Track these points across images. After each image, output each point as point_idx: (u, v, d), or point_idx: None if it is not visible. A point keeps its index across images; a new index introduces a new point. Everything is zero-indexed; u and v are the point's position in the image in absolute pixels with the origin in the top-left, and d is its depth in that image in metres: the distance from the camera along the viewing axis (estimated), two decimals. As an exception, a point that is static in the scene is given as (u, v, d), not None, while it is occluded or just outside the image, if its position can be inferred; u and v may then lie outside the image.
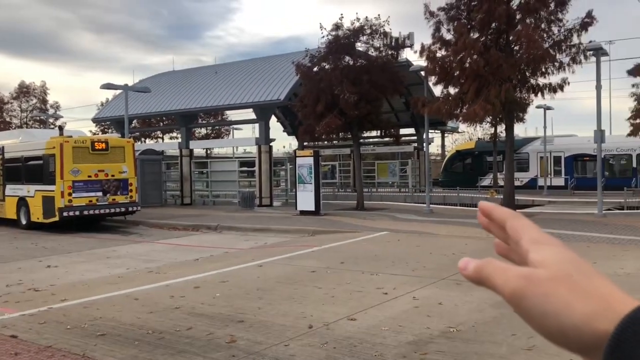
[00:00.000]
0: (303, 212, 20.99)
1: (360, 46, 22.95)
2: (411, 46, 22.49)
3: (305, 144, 33.01)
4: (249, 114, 30.51)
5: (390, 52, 22.79)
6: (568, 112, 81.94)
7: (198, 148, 36.30)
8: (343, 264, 10.63)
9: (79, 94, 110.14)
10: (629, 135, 17.92)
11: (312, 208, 20.88)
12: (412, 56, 48.12)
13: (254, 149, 28.14)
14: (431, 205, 22.01)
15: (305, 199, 21.18)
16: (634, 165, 32.82)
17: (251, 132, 47.16)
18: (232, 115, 44.43)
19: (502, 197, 20.54)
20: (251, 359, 5.59)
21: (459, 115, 18.94)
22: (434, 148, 51.22)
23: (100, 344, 6.16)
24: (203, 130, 50.94)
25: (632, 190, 24.54)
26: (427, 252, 11.76)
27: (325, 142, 35.20)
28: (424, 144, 35.73)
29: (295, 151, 25.85)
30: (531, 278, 0.52)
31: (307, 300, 7.91)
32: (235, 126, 46.42)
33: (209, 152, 48.34)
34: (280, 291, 8.47)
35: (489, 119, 26.26)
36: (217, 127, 51.54)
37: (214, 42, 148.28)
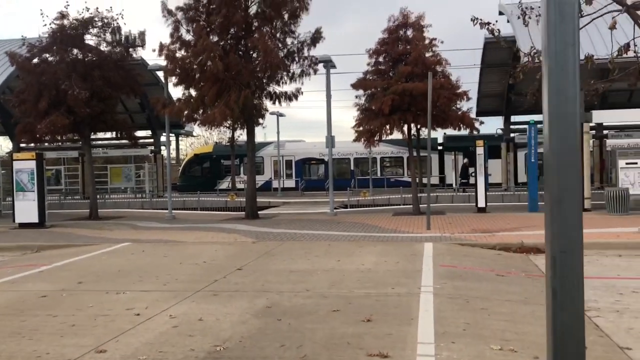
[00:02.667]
0: (23, 225, 18.18)
1: (91, 39, 20.92)
2: (142, 45, 21.31)
3: (22, 145, 28.79)
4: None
5: (123, 49, 21.26)
6: (295, 119, 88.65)
7: None
8: (81, 283, 9.28)
9: None
10: (354, 141, 19.81)
11: (35, 219, 18.21)
12: (151, 55, 46.25)
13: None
14: (173, 211, 21.18)
15: (26, 209, 18.36)
16: (352, 168, 36.93)
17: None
18: None
19: (244, 199, 20.82)
20: None
21: (199, 118, 18.60)
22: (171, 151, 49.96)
23: None
24: None
25: (352, 190, 27.41)
26: (176, 262, 11.06)
27: (47, 144, 31.37)
28: (161, 147, 34.66)
29: (11, 153, 22.30)
30: None
31: (39, 333, 6.56)
32: None
33: None
34: (2, 326, 6.89)
35: (228, 124, 26.46)
36: None
37: None
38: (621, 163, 18.09)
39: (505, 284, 8.72)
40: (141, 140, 31.71)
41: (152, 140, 33.52)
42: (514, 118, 31.44)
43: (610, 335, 6.15)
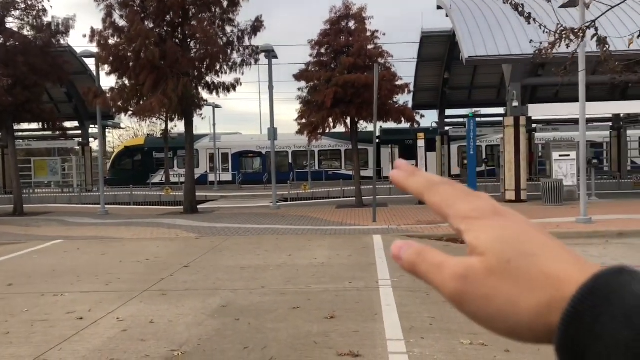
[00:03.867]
0: (-61, 223, 16.70)
1: (13, 22, 19.49)
2: (66, 32, 20.06)
3: None
4: None
5: (48, 35, 19.92)
6: (228, 111, 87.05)
7: None
8: (12, 286, 8.52)
9: None
10: (296, 134, 19.49)
11: (-49, 217, 16.76)
12: (80, 42, 43.86)
13: None
14: (106, 206, 20.15)
15: (-58, 206, 16.87)
16: (290, 161, 36.62)
17: None
18: None
19: (183, 193, 20.08)
20: None
21: (132, 109, 17.69)
22: (96, 144, 47.80)
23: None
24: None
25: (291, 184, 27.13)
26: (116, 260, 10.40)
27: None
28: (89, 139, 33.01)
29: None
30: (467, 277, 0.44)
31: (-31, 344, 5.90)
32: None
33: None
34: None
35: (161, 115, 25.45)
36: None
37: None
38: (555, 155, 18.77)
39: (459, 276, 8.72)
40: (69, 132, 30.09)
41: (79, 132, 31.82)
42: (448, 112, 32.15)
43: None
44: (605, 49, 4.49)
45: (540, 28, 4.72)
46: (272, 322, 6.22)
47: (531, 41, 5.37)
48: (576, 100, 15.42)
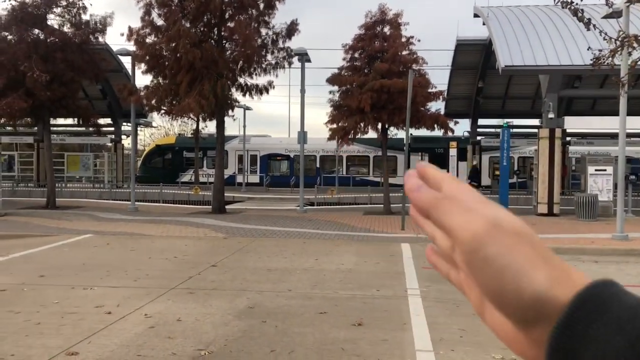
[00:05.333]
0: (-26, 212, 17.10)
1: (54, 19, 19.91)
2: (103, 30, 20.37)
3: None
4: None
5: (87, 32, 20.28)
6: (257, 114, 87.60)
7: None
8: (43, 277, 8.63)
9: None
10: (328, 140, 19.41)
11: (-13, 207, 17.15)
12: (117, 40, 44.68)
13: None
14: (136, 203, 20.38)
15: (-22, 196, 17.28)
16: (318, 165, 36.60)
17: None
18: None
19: (211, 193, 20.20)
20: None
21: (172, 108, 17.84)
22: (128, 142, 48.50)
23: None
24: None
25: (318, 188, 27.07)
26: (145, 256, 10.48)
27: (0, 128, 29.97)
28: (122, 136, 33.52)
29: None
30: (497, 227, 0.45)
31: (0, 332, 5.97)
32: None
33: None
34: (-43, 324, 6.26)
35: (194, 115, 25.68)
36: None
37: None
38: (590, 169, 18.32)
39: (490, 288, 8.53)
40: (103, 129, 30.62)
41: (112, 129, 32.34)
42: (480, 121, 31.75)
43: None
44: None
45: (601, 34, 4.55)
46: (299, 326, 6.16)
47: (589, 48, 5.18)
48: (613, 113, 15.05)
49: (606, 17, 12.33)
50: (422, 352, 5.39)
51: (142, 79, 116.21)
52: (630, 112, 13.79)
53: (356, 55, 19.06)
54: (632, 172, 26.24)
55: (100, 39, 21.00)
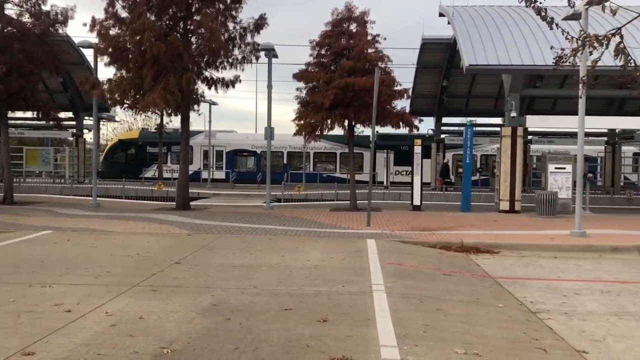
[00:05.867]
0: None
1: (11, 9, 19.32)
2: (65, 22, 19.86)
3: None
4: None
5: (47, 23, 19.73)
6: (222, 109, 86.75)
7: None
8: (-1, 275, 8.37)
9: None
10: (294, 135, 19.38)
11: (-60, 202, 16.54)
12: (80, 31, 43.63)
13: None
14: (98, 198, 19.96)
15: None
16: (285, 161, 36.53)
17: None
18: None
19: (176, 189, 19.93)
20: None
21: (136, 102, 17.50)
22: (90, 136, 47.40)
23: None
24: None
25: (285, 185, 27.03)
26: (106, 253, 10.27)
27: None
28: (83, 131, 32.75)
29: None
30: None
31: (-48, 332, 5.76)
32: None
33: None
34: None
35: (158, 109, 25.26)
36: None
37: None
38: (551, 168, 18.78)
39: (453, 284, 8.65)
40: (63, 123, 29.87)
41: (74, 123, 31.57)
42: (444, 119, 32.16)
43: (565, 338, 6.14)
44: (629, 59, 4.41)
45: (563, 34, 4.64)
46: (264, 323, 6.12)
47: (552, 47, 5.29)
48: (572, 113, 15.43)
49: (566, 18, 12.62)
50: (386, 347, 5.42)
51: (105, 72, 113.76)
52: (589, 112, 14.22)
53: (322, 51, 19.08)
54: (590, 170, 27.07)
55: (61, 31, 20.50)
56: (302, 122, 18.49)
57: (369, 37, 19.00)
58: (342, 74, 17.97)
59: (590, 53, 4.58)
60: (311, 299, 7.19)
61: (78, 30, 71.78)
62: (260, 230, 13.63)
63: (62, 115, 30.62)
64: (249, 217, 16.38)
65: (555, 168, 18.79)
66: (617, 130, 27.72)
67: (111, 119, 41.85)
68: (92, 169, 22.17)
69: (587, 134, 27.70)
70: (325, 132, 19.01)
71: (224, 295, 7.30)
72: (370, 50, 18.93)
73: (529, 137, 30.25)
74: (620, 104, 27.52)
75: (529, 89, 22.22)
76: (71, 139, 32.60)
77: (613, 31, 4.40)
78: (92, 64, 20.88)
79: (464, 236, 12.94)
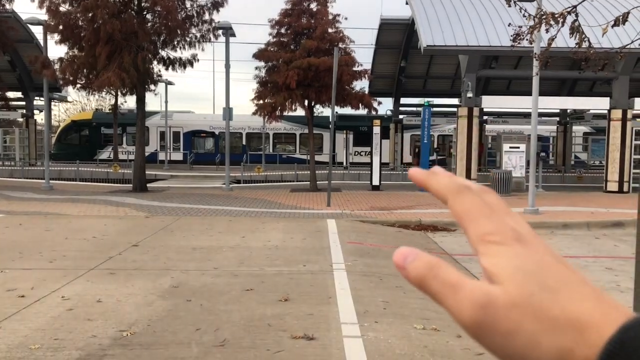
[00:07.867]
0: None
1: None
2: None
3: None
4: None
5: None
6: (182, 89, 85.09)
7: None
8: (-53, 261, 8.06)
9: None
10: (253, 114, 19.19)
11: None
12: (28, 7, 41.86)
13: None
14: (51, 181, 19.39)
15: None
16: (244, 142, 36.21)
17: None
18: None
19: (132, 171, 19.53)
20: None
21: (90, 82, 16.96)
22: (41, 117, 45.81)
23: None
24: None
25: (244, 166, 26.85)
26: (61, 237, 10.02)
27: None
28: (34, 111, 31.60)
29: None
30: (488, 307, 0.40)
31: None
32: None
33: None
34: None
35: (113, 90, 24.59)
36: None
37: None
38: (505, 147, 19.24)
39: (412, 262, 8.81)
40: (11, 103, 28.78)
41: (23, 103, 30.43)
42: (403, 100, 32.44)
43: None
44: (583, 37, 4.53)
45: (520, 12, 4.72)
46: (225, 304, 6.11)
47: (510, 24, 5.37)
48: (527, 93, 15.81)
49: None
50: (347, 324, 5.50)
51: (56, 51, 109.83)
52: (542, 93, 14.59)
53: (282, 30, 18.87)
54: (543, 149, 27.81)
55: (8, 6, 19.64)
56: (261, 102, 18.30)
57: (330, 17, 18.88)
58: (303, 54, 17.83)
59: (547, 31, 4.67)
60: (272, 279, 7.22)
61: (26, 6, 68.91)
62: (220, 212, 13.53)
63: (11, 95, 29.57)
64: (208, 198, 16.22)
65: (510, 147, 19.26)
66: (568, 111, 28.55)
67: (63, 100, 40.46)
68: (44, 151, 21.48)
69: (540, 114, 28.49)
70: (285, 113, 18.89)
71: (184, 277, 7.25)
72: (330, 30, 18.83)
73: (485, 117, 30.88)
74: (572, 84, 28.32)
75: (485, 70, 22.61)
76: (21, 119, 31.42)
77: (569, 9, 4.50)
78: (42, 42, 20.12)
79: (422, 215, 13.17)
